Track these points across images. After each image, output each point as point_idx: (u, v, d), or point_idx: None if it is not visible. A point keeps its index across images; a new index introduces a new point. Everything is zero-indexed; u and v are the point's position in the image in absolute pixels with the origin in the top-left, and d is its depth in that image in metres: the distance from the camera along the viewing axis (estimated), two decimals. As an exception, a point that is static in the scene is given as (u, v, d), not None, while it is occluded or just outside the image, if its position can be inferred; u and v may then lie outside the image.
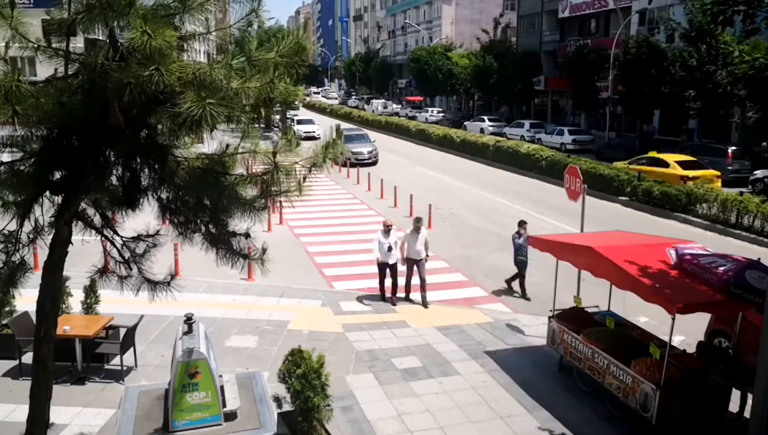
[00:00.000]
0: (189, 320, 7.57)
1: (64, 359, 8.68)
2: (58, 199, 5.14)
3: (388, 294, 12.77)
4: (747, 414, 7.56)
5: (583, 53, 39.07)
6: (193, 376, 6.99)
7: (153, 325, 10.48)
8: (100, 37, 4.57)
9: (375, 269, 12.80)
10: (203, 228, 5.52)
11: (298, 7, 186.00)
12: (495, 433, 7.90)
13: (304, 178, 5.22)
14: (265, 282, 12.19)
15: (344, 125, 44.78)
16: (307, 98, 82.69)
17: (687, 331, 8.67)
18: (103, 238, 5.67)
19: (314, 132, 41.11)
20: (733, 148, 26.20)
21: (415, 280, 14.17)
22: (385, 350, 10.27)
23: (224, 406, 7.21)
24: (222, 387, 7.44)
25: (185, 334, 7.46)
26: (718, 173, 23.27)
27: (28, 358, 8.05)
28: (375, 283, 13.21)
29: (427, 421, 8.10)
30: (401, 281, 12.80)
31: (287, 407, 6.78)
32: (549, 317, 9.75)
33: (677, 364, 7.70)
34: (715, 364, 7.89)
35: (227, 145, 5.23)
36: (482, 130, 44.03)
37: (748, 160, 25.64)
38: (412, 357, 10.02)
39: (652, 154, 25.41)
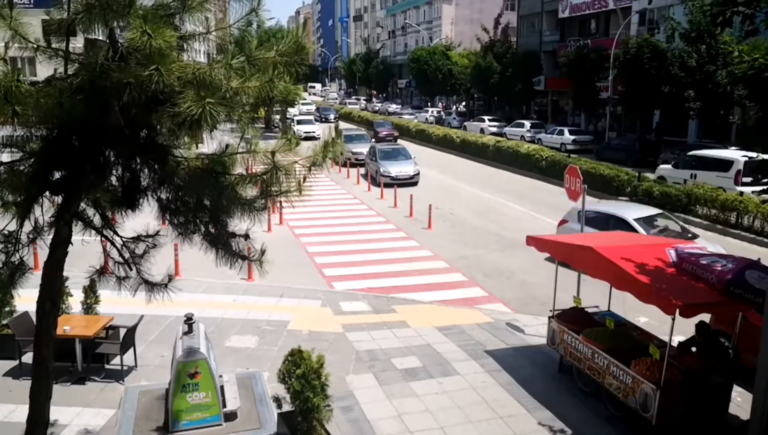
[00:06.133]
0: (189, 320, 7.58)
1: (64, 359, 8.67)
2: (58, 199, 5.14)
3: None
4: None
5: (583, 53, 39.05)
6: (193, 376, 7.00)
7: (153, 325, 10.48)
8: (100, 37, 4.57)
9: (375, 269, 12.70)
10: (203, 228, 5.52)
11: (298, 7, 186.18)
12: (495, 433, 7.89)
13: (304, 178, 5.22)
14: (264, 282, 12.19)
15: (344, 125, 44.84)
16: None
17: (687, 332, 8.67)
18: (103, 239, 5.67)
19: (314, 132, 41.13)
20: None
21: (420, 281, 14.20)
22: (385, 350, 10.27)
23: (224, 406, 7.22)
24: (222, 387, 7.45)
25: (185, 334, 7.47)
26: None
27: (28, 358, 8.06)
28: (375, 283, 13.21)
29: (427, 421, 8.10)
30: None
31: (287, 407, 6.78)
32: (549, 317, 9.74)
33: (677, 364, 7.70)
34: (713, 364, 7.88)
35: (227, 145, 5.23)
36: (482, 130, 44.06)
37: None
38: (412, 357, 10.02)
39: None
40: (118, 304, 8.15)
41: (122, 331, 9.23)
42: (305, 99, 45.93)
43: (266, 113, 47.62)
